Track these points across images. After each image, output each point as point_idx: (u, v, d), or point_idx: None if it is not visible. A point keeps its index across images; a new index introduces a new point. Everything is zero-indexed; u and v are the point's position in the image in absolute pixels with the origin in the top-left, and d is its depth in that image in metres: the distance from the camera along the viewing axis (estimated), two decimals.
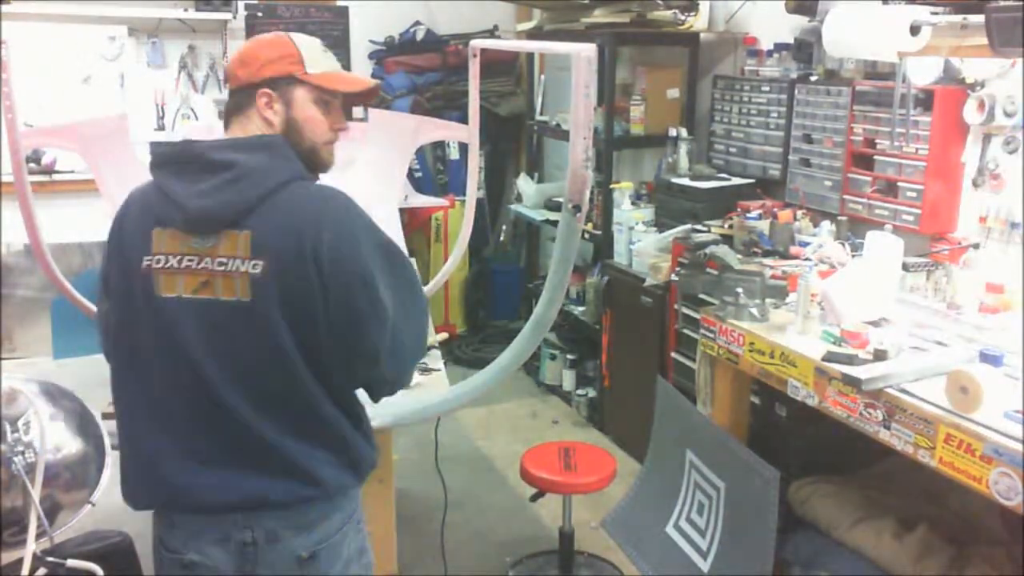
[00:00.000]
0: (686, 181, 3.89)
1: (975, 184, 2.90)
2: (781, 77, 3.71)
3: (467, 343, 5.39)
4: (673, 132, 4.14)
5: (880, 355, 2.30)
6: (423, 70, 5.32)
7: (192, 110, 5.01)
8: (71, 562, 1.30)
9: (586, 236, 4.35)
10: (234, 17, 4.93)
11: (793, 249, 3.20)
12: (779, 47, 3.75)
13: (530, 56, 5.18)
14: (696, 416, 2.98)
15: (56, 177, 4.63)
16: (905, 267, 2.73)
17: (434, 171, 5.44)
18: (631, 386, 4.01)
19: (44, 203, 2.63)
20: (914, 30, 2.58)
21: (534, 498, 3.09)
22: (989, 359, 2.22)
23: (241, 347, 1.49)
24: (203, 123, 4.85)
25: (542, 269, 5.28)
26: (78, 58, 4.74)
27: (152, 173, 1.56)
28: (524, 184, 4.97)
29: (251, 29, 5.08)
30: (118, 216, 1.61)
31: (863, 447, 2.44)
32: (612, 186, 4.18)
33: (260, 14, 5.11)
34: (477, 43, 2.46)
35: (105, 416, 2.17)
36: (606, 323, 4.17)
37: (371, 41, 5.37)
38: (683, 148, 4.06)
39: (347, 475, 1.62)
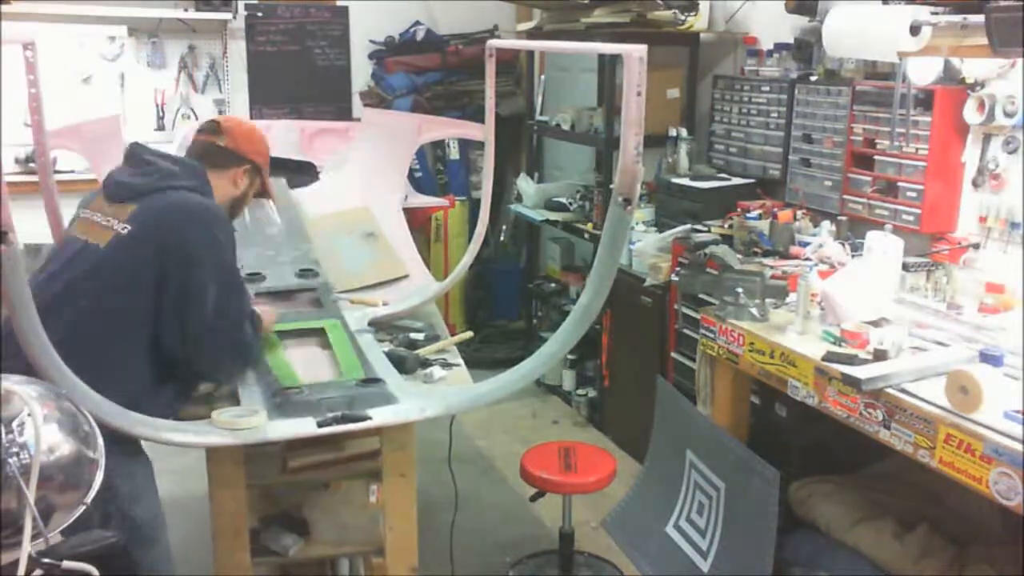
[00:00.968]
0: (686, 181, 3.89)
1: (975, 184, 2.89)
2: (781, 77, 3.71)
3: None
4: (673, 132, 4.14)
5: (880, 355, 2.30)
6: (423, 70, 5.31)
7: (192, 110, 5.01)
8: (66, 563, 1.30)
9: (586, 236, 4.35)
10: (234, 17, 4.93)
11: (793, 249, 3.20)
12: (779, 47, 3.75)
13: (530, 56, 5.16)
14: (696, 416, 2.97)
15: (56, 177, 4.61)
16: (905, 267, 2.73)
17: (434, 171, 5.44)
18: (631, 386, 4.01)
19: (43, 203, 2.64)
20: (914, 30, 2.58)
21: (534, 498, 3.09)
22: (989, 359, 2.22)
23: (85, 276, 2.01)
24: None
25: (542, 269, 5.27)
26: (78, 58, 4.74)
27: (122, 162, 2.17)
28: (524, 184, 4.96)
29: (251, 29, 5.08)
30: None
31: (863, 447, 2.44)
32: (612, 186, 4.17)
33: (260, 14, 5.10)
34: (495, 43, 2.43)
35: None
36: (606, 323, 4.16)
37: (371, 41, 5.36)
38: (683, 148, 4.06)
39: None
